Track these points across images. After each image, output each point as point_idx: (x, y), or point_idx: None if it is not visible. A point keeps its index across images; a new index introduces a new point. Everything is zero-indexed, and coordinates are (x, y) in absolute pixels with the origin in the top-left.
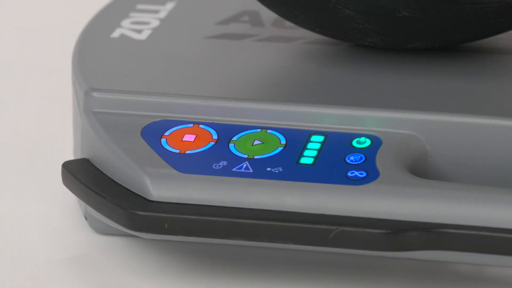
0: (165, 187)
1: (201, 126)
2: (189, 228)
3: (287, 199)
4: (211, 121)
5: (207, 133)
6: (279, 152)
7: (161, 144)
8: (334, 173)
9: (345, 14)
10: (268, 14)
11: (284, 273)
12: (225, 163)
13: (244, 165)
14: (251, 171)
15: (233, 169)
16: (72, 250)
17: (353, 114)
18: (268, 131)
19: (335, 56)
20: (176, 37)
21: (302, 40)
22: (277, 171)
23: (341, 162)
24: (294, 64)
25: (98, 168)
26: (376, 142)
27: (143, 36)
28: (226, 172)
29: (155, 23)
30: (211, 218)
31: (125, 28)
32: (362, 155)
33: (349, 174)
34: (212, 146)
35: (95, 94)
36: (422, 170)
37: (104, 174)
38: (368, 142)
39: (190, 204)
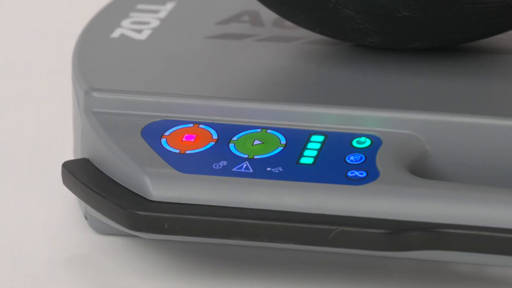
0: (165, 187)
1: (201, 126)
2: (189, 228)
3: (287, 199)
4: (211, 121)
5: (207, 133)
6: (279, 152)
7: (161, 144)
8: (334, 173)
9: (345, 14)
10: (268, 14)
11: (284, 273)
12: (225, 163)
13: (244, 165)
14: (251, 171)
15: (233, 169)
16: (72, 250)
17: (353, 114)
18: (268, 131)
19: (335, 56)
20: (176, 37)
21: (302, 40)
22: (277, 171)
23: (341, 162)
24: (294, 64)
25: (98, 168)
26: (376, 142)
27: (143, 36)
28: (226, 172)
29: (155, 23)
30: (211, 218)
31: (125, 28)
32: (362, 155)
33: (349, 174)
34: (212, 146)
35: (95, 94)
36: (422, 170)
37: (104, 174)
38: (368, 142)
39: (190, 204)
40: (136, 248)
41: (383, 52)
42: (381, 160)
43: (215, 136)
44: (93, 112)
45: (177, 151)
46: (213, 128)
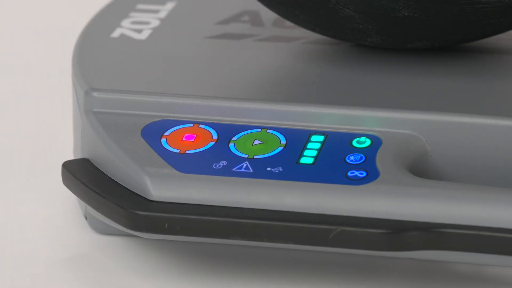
0: (165, 187)
1: (201, 126)
2: (189, 228)
3: (287, 199)
4: (211, 121)
5: (207, 133)
6: (279, 152)
7: (161, 144)
8: (334, 173)
9: (345, 14)
10: (268, 14)
11: (284, 273)
12: (225, 163)
13: (244, 165)
14: (251, 171)
15: (233, 169)
16: (72, 250)
17: (353, 114)
18: (268, 131)
19: (335, 56)
20: (176, 37)
21: (302, 40)
22: (277, 171)
23: (341, 162)
24: (294, 64)
25: (98, 168)
26: (376, 142)
27: (143, 36)
28: (226, 172)
29: (155, 23)
30: (211, 218)
31: (125, 28)
32: (362, 155)
33: (349, 174)
34: (212, 146)
35: (95, 94)
36: (422, 170)
37: (104, 174)
38: (368, 142)
39: (190, 204)
40: (136, 248)
41: (383, 52)
42: (381, 160)
43: (215, 136)
44: (93, 112)
45: (177, 151)
46: (213, 128)
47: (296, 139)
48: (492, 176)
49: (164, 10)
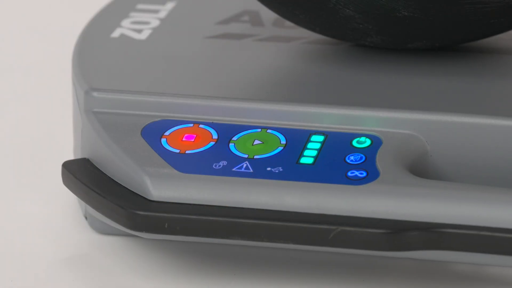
0: (165, 187)
1: (201, 126)
2: (189, 228)
3: (287, 199)
4: (211, 121)
5: (207, 133)
6: (279, 152)
7: (161, 144)
8: (334, 173)
9: (345, 14)
10: (268, 14)
11: (284, 273)
12: (225, 163)
13: (244, 165)
14: (251, 171)
15: (233, 169)
16: (72, 250)
17: (353, 114)
18: (268, 131)
19: (335, 56)
20: (176, 37)
21: (302, 40)
22: (277, 171)
23: (341, 162)
24: (294, 64)
25: (98, 168)
26: (376, 142)
27: (143, 36)
28: (226, 172)
29: (155, 23)
30: (211, 218)
31: (125, 28)
32: (362, 155)
33: (349, 174)
34: (212, 146)
35: (95, 94)
36: (422, 170)
37: (104, 174)
38: (368, 142)
39: (190, 204)
40: (136, 248)
41: (383, 52)
42: (381, 160)
43: (215, 136)
44: (93, 112)
45: (177, 151)
46: (213, 128)
47: (296, 139)
48: (492, 176)
49: (164, 10)
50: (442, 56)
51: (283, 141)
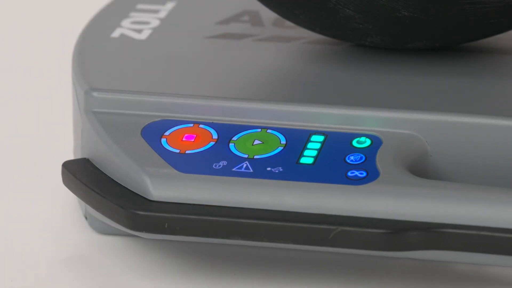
0: (165, 187)
1: (201, 126)
2: (189, 228)
3: (287, 199)
4: (211, 121)
5: (207, 133)
6: (279, 152)
7: (161, 144)
8: (334, 173)
9: (345, 14)
10: (268, 14)
11: (284, 273)
12: (225, 163)
13: (244, 165)
14: (251, 171)
15: (233, 169)
16: (72, 250)
17: (353, 114)
18: (268, 131)
19: (335, 56)
20: (176, 37)
21: (302, 40)
22: (277, 171)
23: (341, 162)
24: (294, 64)
25: (98, 168)
26: (376, 142)
27: (143, 36)
28: (226, 172)
29: (155, 23)
30: (211, 218)
31: (125, 28)
32: (362, 155)
33: (349, 174)
34: (212, 146)
35: (95, 94)
36: (422, 170)
37: (104, 174)
38: (368, 142)
39: (190, 204)
40: (136, 248)
41: (383, 52)
42: (381, 160)
43: (215, 136)
44: (93, 112)
45: (177, 151)
46: (213, 128)
47: (296, 139)
48: (492, 176)
49: (164, 10)
50: (442, 56)
51: (283, 141)
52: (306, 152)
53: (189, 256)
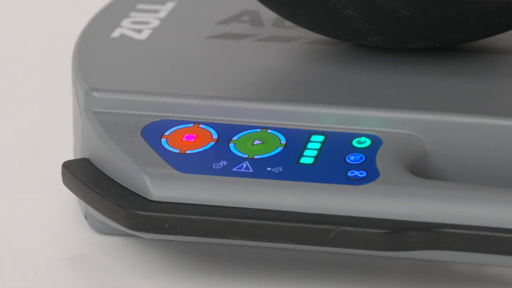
0: (165, 187)
1: (201, 126)
2: (189, 228)
3: (287, 199)
4: (211, 121)
5: (207, 133)
6: (279, 152)
7: (161, 144)
8: (334, 173)
9: (345, 14)
10: (268, 14)
11: (284, 273)
12: (225, 163)
13: (244, 165)
14: (251, 171)
15: (233, 169)
16: (72, 250)
17: (353, 114)
18: (268, 131)
19: (335, 56)
20: (176, 37)
21: (302, 40)
22: (277, 171)
23: (341, 162)
24: (294, 64)
25: (98, 168)
26: (376, 142)
27: (143, 36)
28: (226, 172)
29: (155, 23)
30: (211, 218)
31: (125, 28)
32: (362, 155)
33: (349, 174)
34: (212, 146)
35: (95, 94)
36: (422, 170)
37: (104, 174)
38: (368, 142)
39: (190, 204)
40: (136, 248)
41: (383, 52)
42: (381, 160)
43: (215, 136)
44: (93, 112)
45: (177, 151)
46: (213, 128)
47: (296, 139)
48: (492, 176)
49: (164, 10)
50: (442, 56)
51: (283, 141)
52: (306, 152)
53: (189, 256)
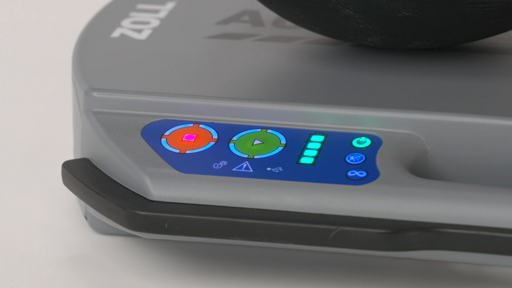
0: (165, 187)
1: (201, 126)
2: (189, 228)
3: (287, 199)
4: (211, 121)
5: (207, 133)
6: (279, 152)
7: (161, 144)
8: (334, 173)
9: (345, 14)
10: (268, 14)
11: (284, 273)
12: (225, 163)
13: (244, 165)
14: (251, 171)
15: (233, 169)
16: (72, 250)
17: (353, 114)
18: (268, 131)
19: (335, 56)
20: (176, 37)
21: (302, 40)
22: (277, 171)
23: (341, 162)
24: (294, 64)
25: (98, 168)
26: (376, 142)
27: (143, 36)
28: (226, 172)
29: (155, 23)
30: (211, 218)
31: (125, 28)
32: (362, 155)
33: (349, 174)
34: (212, 146)
35: (95, 94)
36: (422, 170)
37: (104, 174)
38: (368, 142)
39: (190, 204)
40: (136, 248)
41: (383, 52)
42: (381, 160)
43: (215, 136)
44: (93, 112)
45: (177, 151)
46: (213, 128)
47: (296, 139)
48: (492, 176)
49: (164, 10)
50: (442, 56)
51: (283, 141)
52: (306, 152)
53: (189, 256)
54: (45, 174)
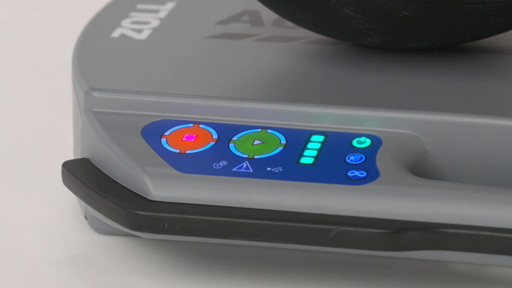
0: (165, 187)
1: (201, 126)
2: (189, 228)
3: (287, 199)
4: (211, 121)
5: (207, 133)
6: (279, 152)
7: (161, 144)
8: (334, 173)
9: (345, 14)
10: (268, 14)
11: (284, 273)
12: (225, 163)
13: (244, 165)
14: (251, 171)
15: (233, 169)
16: (72, 250)
17: (353, 114)
18: (268, 131)
19: (335, 56)
20: (176, 37)
21: (302, 40)
22: (277, 171)
23: (341, 162)
24: (294, 64)
25: (98, 168)
26: (376, 142)
27: (143, 36)
28: (226, 172)
29: (155, 23)
30: (211, 218)
31: (125, 28)
32: (362, 155)
33: (349, 174)
34: (212, 146)
35: (95, 94)
36: (422, 170)
37: (104, 174)
38: (368, 142)
39: (190, 204)
40: (136, 248)
41: (383, 52)
42: (381, 160)
43: (215, 136)
44: (93, 112)
45: (177, 151)
46: (213, 128)
47: (296, 139)
48: (492, 176)
49: (164, 10)
50: (442, 56)
51: (283, 141)
52: (306, 152)
53: (189, 256)
54: (45, 174)
